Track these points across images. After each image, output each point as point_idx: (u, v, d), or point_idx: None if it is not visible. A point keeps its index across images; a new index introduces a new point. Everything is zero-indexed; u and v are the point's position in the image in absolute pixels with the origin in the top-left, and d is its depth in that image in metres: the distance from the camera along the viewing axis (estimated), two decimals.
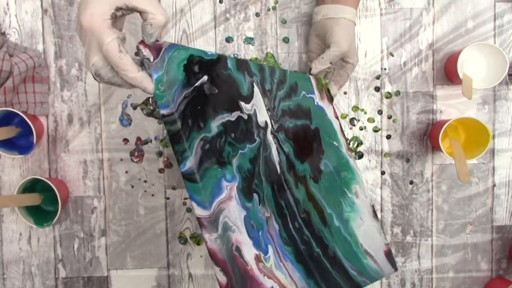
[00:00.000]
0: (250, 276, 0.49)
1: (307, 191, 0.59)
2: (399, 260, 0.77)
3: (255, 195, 0.52)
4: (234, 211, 0.50)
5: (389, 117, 0.76)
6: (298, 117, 0.61)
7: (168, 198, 0.75)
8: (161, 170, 0.75)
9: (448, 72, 0.75)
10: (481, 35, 0.76)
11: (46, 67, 0.73)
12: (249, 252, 0.50)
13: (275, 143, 0.57)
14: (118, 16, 0.42)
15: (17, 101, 0.71)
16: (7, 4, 0.73)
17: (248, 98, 0.55)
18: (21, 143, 0.74)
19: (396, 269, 0.64)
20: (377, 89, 0.76)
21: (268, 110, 0.57)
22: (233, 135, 0.51)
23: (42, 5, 0.73)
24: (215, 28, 0.74)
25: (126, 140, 0.74)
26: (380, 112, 0.76)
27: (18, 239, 0.74)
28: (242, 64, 0.56)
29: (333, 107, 0.68)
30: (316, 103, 0.65)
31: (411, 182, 0.77)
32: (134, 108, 0.74)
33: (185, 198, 0.75)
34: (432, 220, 0.77)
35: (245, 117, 0.54)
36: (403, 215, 0.77)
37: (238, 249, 0.50)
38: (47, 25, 0.73)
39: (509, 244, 0.78)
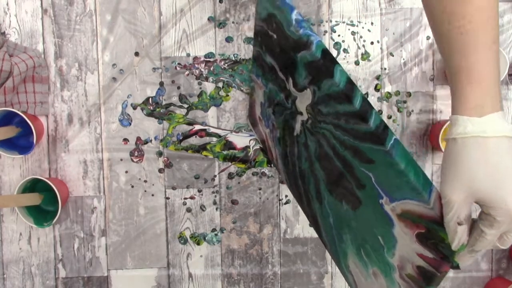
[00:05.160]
0: (253, 104, 0.67)
1: (315, 179, 0.52)
2: None
3: (270, 111, 0.59)
4: (259, 94, 0.62)
5: (389, 117, 0.76)
6: (338, 158, 0.44)
7: (168, 198, 0.75)
8: (161, 170, 0.75)
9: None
10: None
11: (46, 67, 0.73)
12: (257, 109, 0.66)
13: (301, 127, 0.50)
14: None
15: (17, 101, 0.71)
16: (7, 4, 0.73)
17: (299, 88, 0.47)
18: (21, 143, 0.74)
19: None
20: (377, 89, 0.76)
21: (308, 113, 0.47)
22: (274, 77, 0.54)
23: (42, 5, 0.73)
24: (215, 28, 0.74)
25: (126, 140, 0.74)
26: (380, 112, 0.76)
27: (18, 239, 0.74)
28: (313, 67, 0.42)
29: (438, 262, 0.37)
30: (381, 205, 0.40)
31: None
32: (134, 108, 0.74)
33: (185, 198, 0.75)
34: None
35: (287, 86, 0.49)
36: None
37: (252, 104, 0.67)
38: (47, 25, 0.73)
39: None
